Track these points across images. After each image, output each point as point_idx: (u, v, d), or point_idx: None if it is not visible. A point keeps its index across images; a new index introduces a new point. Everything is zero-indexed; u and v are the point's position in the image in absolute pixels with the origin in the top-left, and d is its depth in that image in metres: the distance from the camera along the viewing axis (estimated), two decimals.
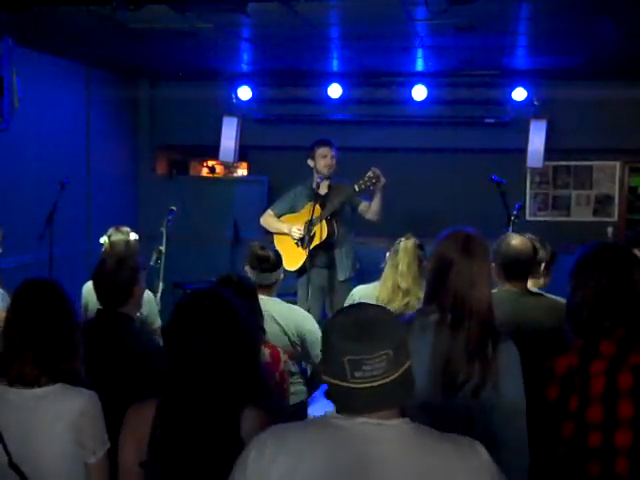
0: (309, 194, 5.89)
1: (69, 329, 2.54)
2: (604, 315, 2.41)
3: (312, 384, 4.03)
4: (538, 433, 2.38)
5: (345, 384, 1.65)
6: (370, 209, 5.73)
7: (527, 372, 2.45)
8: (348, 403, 1.68)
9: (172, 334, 2.24)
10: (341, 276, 5.89)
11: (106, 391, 2.78)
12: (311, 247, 5.63)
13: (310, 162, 5.90)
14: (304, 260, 5.73)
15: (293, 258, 5.87)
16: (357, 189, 5.57)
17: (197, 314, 2.20)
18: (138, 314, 3.62)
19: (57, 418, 2.41)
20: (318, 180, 5.80)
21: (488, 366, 2.29)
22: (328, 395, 1.72)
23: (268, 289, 3.82)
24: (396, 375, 1.66)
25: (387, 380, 1.64)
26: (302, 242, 5.72)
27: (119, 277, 3.10)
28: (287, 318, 3.78)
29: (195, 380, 2.13)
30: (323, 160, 5.81)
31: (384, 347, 1.65)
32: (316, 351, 3.86)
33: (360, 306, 1.85)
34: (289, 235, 5.84)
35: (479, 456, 1.69)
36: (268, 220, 6.04)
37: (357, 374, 1.64)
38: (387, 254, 4.12)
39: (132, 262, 3.19)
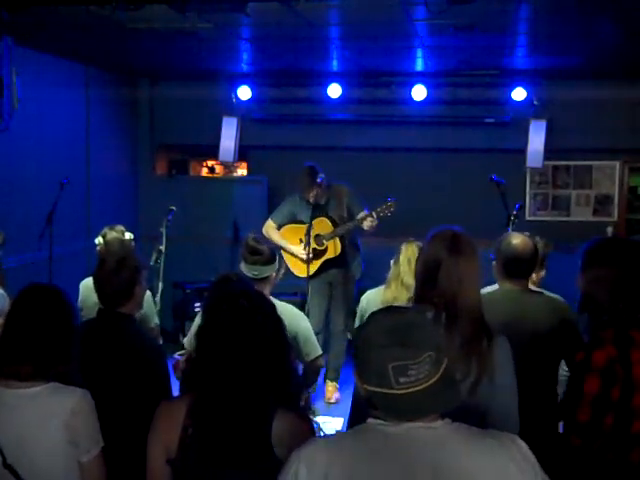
0: (309, 206, 5.95)
1: (66, 334, 2.55)
2: (635, 306, 2.43)
3: (303, 384, 4.02)
4: (574, 425, 2.39)
5: (390, 391, 1.62)
6: (366, 225, 5.81)
7: (527, 369, 2.46)
8: (394, 410, 1.65)
9: (208, 334, 2.22)
10: (354, 272, 6.11)
11: (106, 391, 2.78)
12: (324, 259, 5.91)
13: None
14: (316, 268, 5.95)
15: (303, 265, 5.93)
16: (375, 215, 5.68)
17: (235, 314, 2.18)
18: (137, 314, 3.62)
19: (49, 417, 2.41)
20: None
21: (484, 362, 2.30)
22: (371, 403, 1.68)
23: (261, 284, 3.70)
24: (438, 376, 1.64)
25: (431, 382, 1.63)
26: (309, 259, 5.80)
27: (120, 277, 3.09)
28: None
29: (230, 380, 2.12)
30: (307, 195, 5.92)
31: (427, 349, 1.63)
32: (307, 349, 3.87)
33: (392, 310, 1.80)
34: (295, 256, 6.00)
35: (521, 450, 1.70)
36: (270, 232, 6.13)
37: (402, 380, 1.61)
38: (392, 261, 4.21)
39: (133, 262, 3.18)
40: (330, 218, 5.86)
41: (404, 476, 1.62)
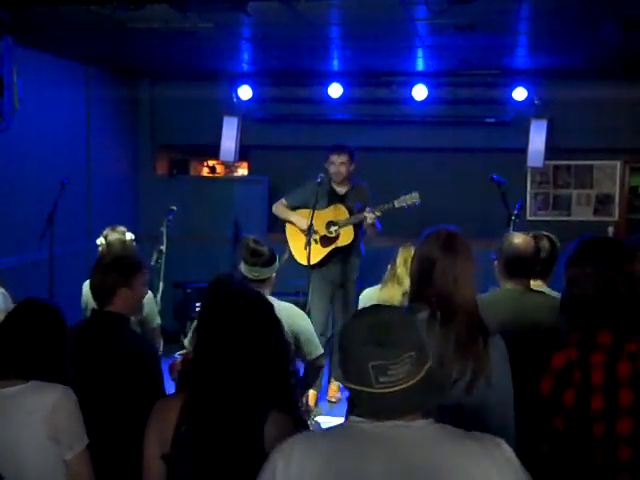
0: (328, 193, 5.96)
1: (57, 351, 2.56)
2: (606, 308, 2.42)
3: (304, 383, 4.02)
4: (528, 428, 2.39)
5: (370, 390, 1.63)
6: (369, 217, 5.77)
7: (527, 370, 2.46)
8: (374, 408, 1.65)
9: (206, 333, 2.22)
10: (355, 274, 6.05)
11: (96, 389, 2.77)
12: (333, 247, 5.86)
13: (326, 165, 5.99)
14: (322, 257, 5.89)
15: (306, 253, 5.89)
16: (396, 205, 5.67)
17: (232, 313, 2.19)
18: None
19: (30, 413, 2.40)
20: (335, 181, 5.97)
21: (481, 362, 2.30)
22: (352, 401, 1.70)
23: (261, 286, 3.68)
24: (420, 376, 1.64)
25: (412, 382, 1.63)
26: (309, 236, 5.69)
27: (104, 276, 3.09)
28: (280, 316, 3.71)
29: (224, 379, 2.12)
30: (331, 166, 5.94)
31: (408, 350, 1.63)
32: (308, 348, 3.86)
33: (375, 309, 1.79)
34: (295, 225, 5.94)
35: (504, 453, 1.68)
36: (279, 208, 6.14)
37: (382, 379, 1.61)
38: (389, 265, 4.25)
39: (123, 262, 3.16)
40: (347, 207, 5.86)
41: (380, 475, 1.61)
